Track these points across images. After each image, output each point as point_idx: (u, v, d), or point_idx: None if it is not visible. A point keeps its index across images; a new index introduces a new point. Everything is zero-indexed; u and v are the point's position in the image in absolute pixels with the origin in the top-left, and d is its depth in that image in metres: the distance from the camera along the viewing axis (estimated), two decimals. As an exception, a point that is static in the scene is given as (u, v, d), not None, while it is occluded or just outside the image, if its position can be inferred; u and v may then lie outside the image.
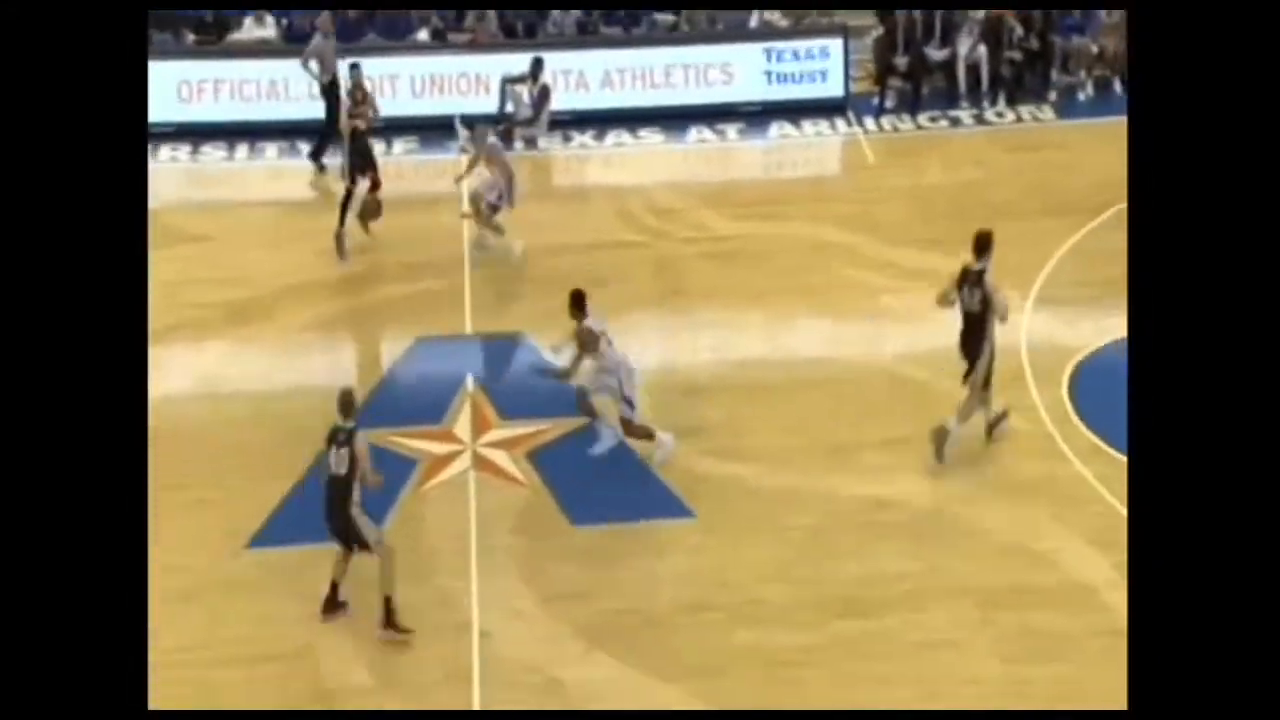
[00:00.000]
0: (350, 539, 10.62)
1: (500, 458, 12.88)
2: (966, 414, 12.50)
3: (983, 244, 12.14)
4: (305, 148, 18.06)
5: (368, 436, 10.70)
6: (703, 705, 10.36)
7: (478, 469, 12.71)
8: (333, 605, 10.94)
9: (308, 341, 14.76)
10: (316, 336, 14.83)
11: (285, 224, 15.61)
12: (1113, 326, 13.43)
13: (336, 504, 10.49)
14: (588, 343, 12.34)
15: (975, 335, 12.21)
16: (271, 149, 17.98)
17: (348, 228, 15.68)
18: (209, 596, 11.27)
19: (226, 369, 14.25)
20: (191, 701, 10.13)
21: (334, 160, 16.74)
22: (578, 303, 12.45)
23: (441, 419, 13.37)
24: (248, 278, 15.55)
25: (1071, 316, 14.27)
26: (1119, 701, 10.22)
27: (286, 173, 17.94)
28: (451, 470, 12.53)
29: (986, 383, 12.40)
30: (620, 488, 12.53)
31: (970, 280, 12.14)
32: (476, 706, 10.44)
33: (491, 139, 15.69)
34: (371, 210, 15.73)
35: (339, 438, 10.43)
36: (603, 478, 12.60)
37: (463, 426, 13.20)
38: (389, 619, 10.76)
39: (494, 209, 15.40)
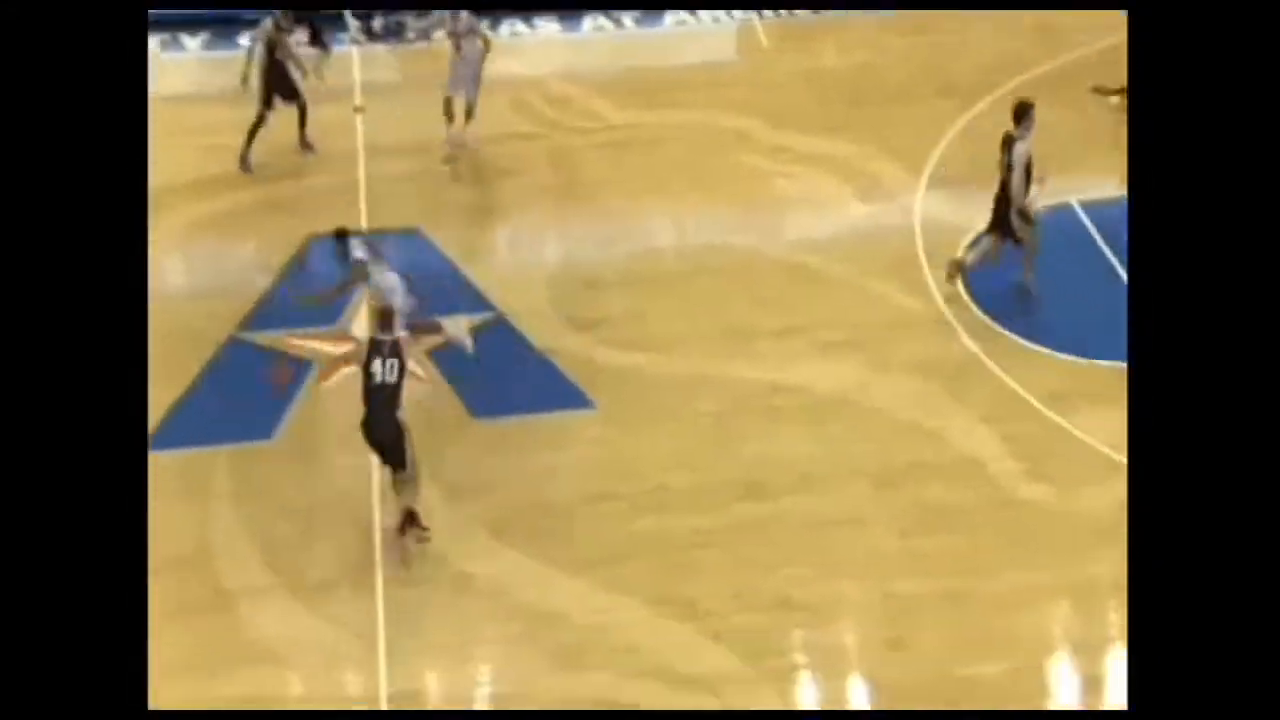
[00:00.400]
0: (395, 448, 10.57)
1: (398, 354, 12.75)
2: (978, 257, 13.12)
3: (1018, 113, 12.80)
4: (189, 41, 17.66)
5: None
6: (605, 593, 10.50)
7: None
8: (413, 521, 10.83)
9: (196, 242, 14.50)
10: (205, 237, 14.56)
11: (167, 120, 15.19)
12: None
13: (386, 413, 10.50)
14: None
15: (1000, 194, 12.90)
16: (153, 42, 17.48)
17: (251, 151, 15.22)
18: (101, 501, 11.14)
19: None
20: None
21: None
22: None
23: (336, 320, 13.22)
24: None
25: (963, 197, 14.39)
26: (1006, 567, 10.68)
27: (169, 66, 17.46)
28: (349, 370, 12.42)
29: (991, 229, 13.07)
30: (521, 381, 12.52)
31: (1006, 145, 12.85)
32: (380, 603, 10.48)
33: None
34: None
35: (384, 349, 10.48)
36: (504, 373, 12.59)
37: (359, 326, 13.07)
38: (412, 522, 10.77)
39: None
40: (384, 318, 10.78)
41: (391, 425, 10.57)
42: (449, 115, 15.15)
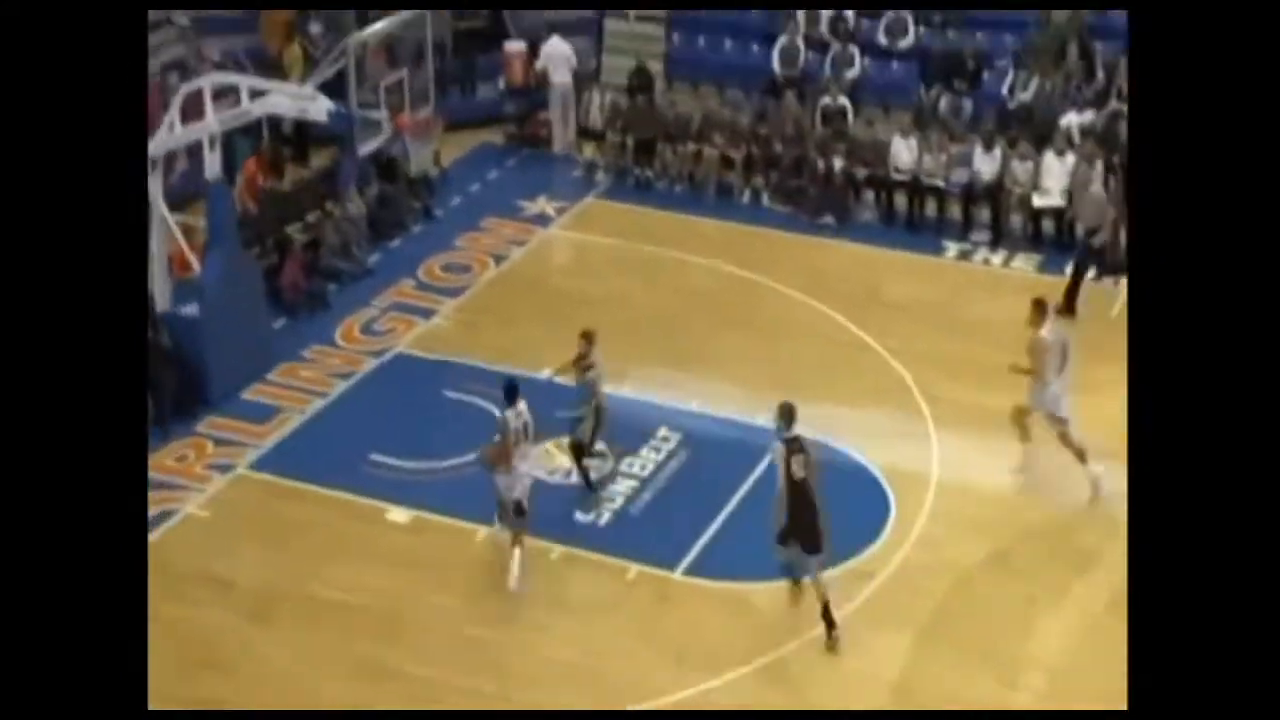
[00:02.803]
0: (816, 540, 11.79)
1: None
2: None
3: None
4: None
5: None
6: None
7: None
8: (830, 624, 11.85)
9: None
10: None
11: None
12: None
13: (807, 506, 11.65)
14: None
15: None
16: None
17: None
18: None
19: None
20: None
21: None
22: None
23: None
24: None
25: None
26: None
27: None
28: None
29: None
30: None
31: None
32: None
33: None
34: None
35: (794, 445, 11.62)
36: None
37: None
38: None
39: None
40: (786, 413, 11.72)
41: (813, 515, 11.71)
42: None
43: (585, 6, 21.39)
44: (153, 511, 13.24)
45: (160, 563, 12.65)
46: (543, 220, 18.70)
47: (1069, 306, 15.96)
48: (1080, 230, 17.00)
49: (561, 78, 20.29)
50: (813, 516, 11.66)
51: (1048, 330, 13.20)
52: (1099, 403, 13.20)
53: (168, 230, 14.91)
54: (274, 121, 17.93)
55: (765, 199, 19.11)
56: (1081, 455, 13.23)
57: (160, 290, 14.75)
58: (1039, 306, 13.26)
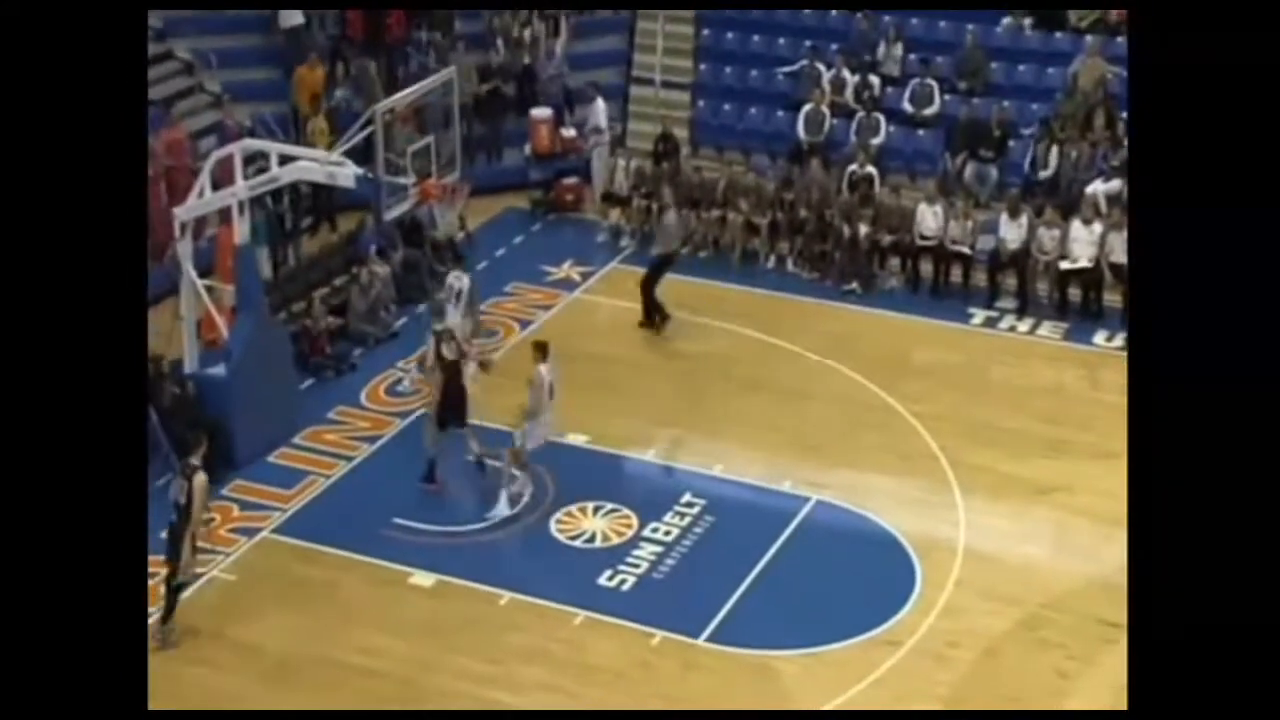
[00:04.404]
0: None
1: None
2: None
3: None
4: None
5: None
6: None
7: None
8: None
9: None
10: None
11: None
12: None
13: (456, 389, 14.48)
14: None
15: None
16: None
17: None
18: None
19: None
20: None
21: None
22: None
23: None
24: None
25: None
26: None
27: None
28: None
29: None
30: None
31: None
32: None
33: None
34: None
35: (444, 335, 14.34)
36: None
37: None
38: None
39: None
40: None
41: None
42: None
43: (619, 6, 21.43)
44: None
45: (184, 626, 12.72)
46: (568, 285, 18.75)
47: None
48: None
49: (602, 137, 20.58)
50: (461, 397, 14.30)
51: (545, 369, 14.15)
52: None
53: (197, 295, 15.02)
54: (293, 192, 18.17)
55: (790, 265, 19.16)
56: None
57: (189, 354, 14.82)
58: (538, 346, 14.44)
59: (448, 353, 14.39)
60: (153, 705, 11.50)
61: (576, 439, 15.11)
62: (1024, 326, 17.90)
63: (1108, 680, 12.11)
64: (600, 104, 20.72)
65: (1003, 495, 14.35)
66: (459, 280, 16.25)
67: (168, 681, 12.01)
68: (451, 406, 14.48)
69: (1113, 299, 17.63)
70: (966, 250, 18.44)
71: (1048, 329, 17.80)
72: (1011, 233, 18.15)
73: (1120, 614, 12.67)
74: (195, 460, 12.38)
